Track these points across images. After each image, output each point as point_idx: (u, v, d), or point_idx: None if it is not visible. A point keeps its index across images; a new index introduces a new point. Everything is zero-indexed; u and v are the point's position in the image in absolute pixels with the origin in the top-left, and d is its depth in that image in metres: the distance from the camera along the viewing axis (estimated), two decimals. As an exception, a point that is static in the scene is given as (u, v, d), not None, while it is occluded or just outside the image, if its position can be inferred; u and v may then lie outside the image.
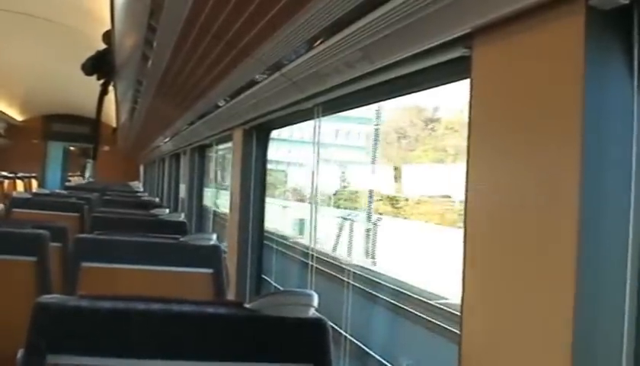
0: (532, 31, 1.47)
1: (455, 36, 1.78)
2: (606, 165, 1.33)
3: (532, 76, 1.49)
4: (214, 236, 3.42)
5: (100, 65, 5.71)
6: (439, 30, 1.84)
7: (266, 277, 4.99)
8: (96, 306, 1.75)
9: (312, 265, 4.13)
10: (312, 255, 4.09)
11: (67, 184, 13.94)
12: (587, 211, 1.33)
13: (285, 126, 4.74)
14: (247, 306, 1.81)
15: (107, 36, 5.27)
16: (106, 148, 15.73)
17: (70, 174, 19.12)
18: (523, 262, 1.47)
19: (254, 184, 4.78)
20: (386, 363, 8.11)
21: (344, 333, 6.63)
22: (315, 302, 1.81)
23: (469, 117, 1.73)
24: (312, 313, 1.81)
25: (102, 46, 5.59)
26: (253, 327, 1.77)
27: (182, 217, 4.84)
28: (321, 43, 2.62)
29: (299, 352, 1.77)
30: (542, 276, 1.41)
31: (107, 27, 4.96)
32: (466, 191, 1.72)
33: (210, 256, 3.35)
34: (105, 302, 1.76)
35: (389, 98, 2.76)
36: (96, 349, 1.73)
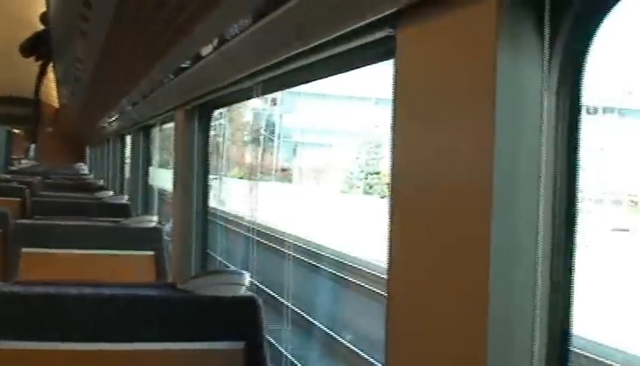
0: (449, 12, 1.51)
1: (381, 16, 1.81)
2: (517, 145, 1.41)
3: (450, 58, 1.55)
4: (155, 218, 3.43)
5: (39, 46, 5.63)
6: (366, 10, 1.88)
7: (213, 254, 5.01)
8: (29, 292, 1.75)
9: (252, 238, 4.20)
10: (253, 229, 4.14)
11: (12, 168, 13.67)
12: (499, 188, 1.40)
13: (226, 105, 4.74)
14: (180, 287, 1.83)
15: (45, 17, 5.19)
16: (49, 129, 15.47)
17: (14, 157, 18.72)
18: (443, 232, 1.55)
19: (197, 163, 4.77)
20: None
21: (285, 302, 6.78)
22: (247, 281, 1.83)
23: (394, 97, 1.77)
24: (244, 291, 1.84)
25: (41, 27, 5.50)
26: (184, 308, 1.78)
27: (125, 200, 4.82)
28: (257, 21, 2.64)
29: (230, 331, 1.80)
30: (459, 245, 1.50)
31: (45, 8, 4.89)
32: (392, 165, 1.78)
33: (151, 238, 3.36)
34: (38, 288, 1.76)
35: (325, 77, 2.78)
36: (30, 334, 1.73)
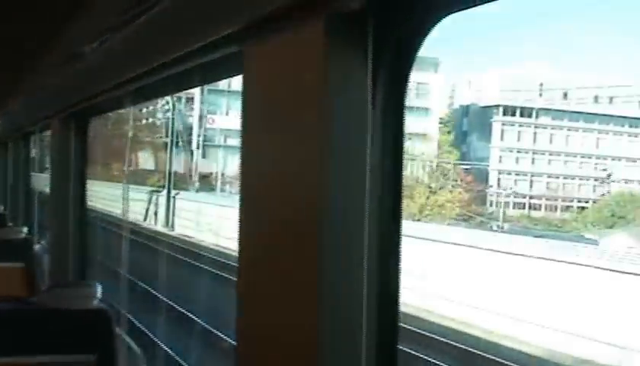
0: (285, 33, 1.58)
1: (229, 32, 1.87)
2: (346, 155, 1.49)
3: (287, 74, 1.63)
4: (24, 229, 3.38)
5: None
6: (215, 26, 1.94)
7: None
8: None
9: (125, 236, 4.20)
10: (125, 227, 4.14)
11: None
12: (329, 194, 1.49)
13: (102, 113, 4.71)
14: (31, 300, 1.83)
15: None
16: None
17: None
18: (281, 234, 1.65)
19: (74, 169, 4.71)
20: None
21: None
22: (99, 293, 1.84)
23: (242, 109, 1.84)
24: (96, 303, 1.85)
25: None
26: (34, 321, 1.78)
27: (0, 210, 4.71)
28: (117, 33, 2.65)
29: (81, 343, 1.81)
30: (293, 248, 1.59)
31: None
32: (241, 171, 1.86)
33: (21, 249, 3.30)
34: None
35: (187, 89, 2.83)
36: None
